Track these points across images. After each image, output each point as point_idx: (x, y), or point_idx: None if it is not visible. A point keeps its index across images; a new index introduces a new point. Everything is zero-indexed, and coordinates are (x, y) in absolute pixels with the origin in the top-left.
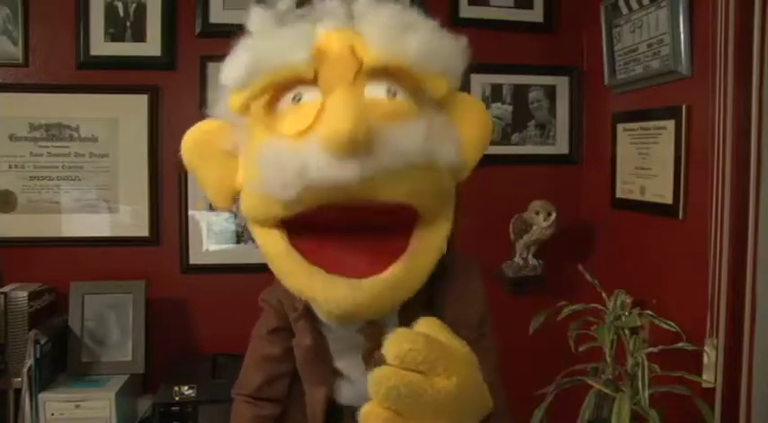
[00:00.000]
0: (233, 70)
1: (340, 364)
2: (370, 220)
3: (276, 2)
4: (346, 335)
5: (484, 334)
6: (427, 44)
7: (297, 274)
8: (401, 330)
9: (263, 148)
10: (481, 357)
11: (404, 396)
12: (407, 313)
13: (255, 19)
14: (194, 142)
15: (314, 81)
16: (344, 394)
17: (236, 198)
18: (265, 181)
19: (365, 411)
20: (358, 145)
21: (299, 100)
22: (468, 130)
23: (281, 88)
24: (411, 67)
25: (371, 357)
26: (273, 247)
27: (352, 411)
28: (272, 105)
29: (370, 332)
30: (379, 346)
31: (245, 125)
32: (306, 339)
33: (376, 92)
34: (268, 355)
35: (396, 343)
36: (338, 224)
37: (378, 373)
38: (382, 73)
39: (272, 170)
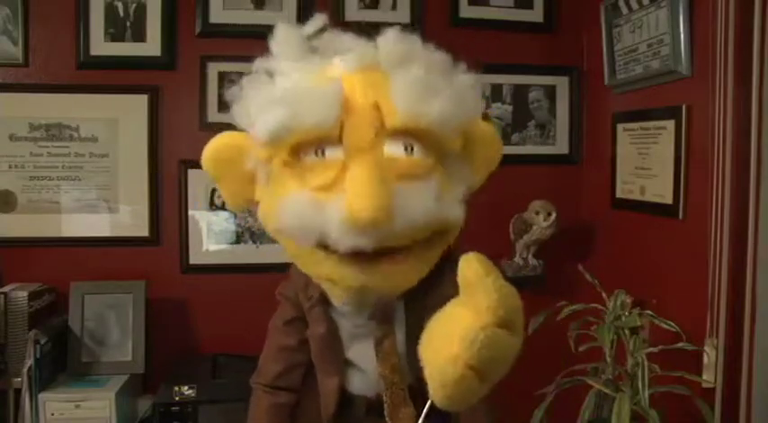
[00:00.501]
0: (264, 129)
1: (351, 353)
2: None
3: (298, 21)
4: (358, 323)
5: None
6: (448, 110)
7: (314, 262)
8: (495, 283)
9: (286, 199)
10: None
11: (494, 355)
12: (412, 306)
13: (281, 40)
14: (215, 154)
15: (338, 138)
16: (355, 384)
17: (248, 204)
18: (286, 228)
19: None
20: (378, 224)
21: (322, 154)
22: (482, 160)
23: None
24: (430, 130)
25: (381, 346)
26: (299, 252)
27: (363, 401)
28: (297, 154)
29: (380, 318)
30: (388, 333)
31: (254, 156)
32: (320, 328)
33: (394, 149)
34: (285, 345)
35: (499, 299)
36: None
37: (483, 327)
38: (402, 133)
39: (293, 223)
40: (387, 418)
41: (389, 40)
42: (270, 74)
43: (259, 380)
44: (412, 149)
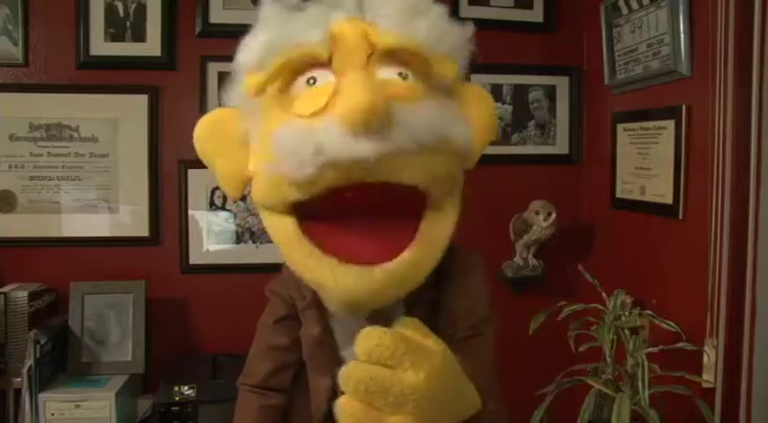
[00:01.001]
0: (249, 51)
1: (346, 352)
2: (380, 206)
3: None
4: (353, 324)
5: (481, 333)
6: (436, 27)
7: (307, 261)
8: (370, 328)
9: (278, 129)
10: (471, 356)
11: (372, 389)
12: (413, 303)
13: (267, 8)
14: (207, 130)
15: (328, 64)
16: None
17: (247, 187)
18: (281, 161)
19: (340, 403)
20: (374, 121)
21: (314, 83)
22: (475, 118)
23: (295, 71)
24: (421, 49)
25: None
26: (284, 234)
27: None
28: (286, 88)
29: (377, 321)
30: None
31: (257, 110)
32: (314, 329)
33: (388, 75)
34: (275, 344)
35: (364, 339)
36: (347, 211)
37: (347, 368)
38: (394, 58)
39: (288, 150)
40: None
41: None
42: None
43: (247, 381)
44: (406, 78)
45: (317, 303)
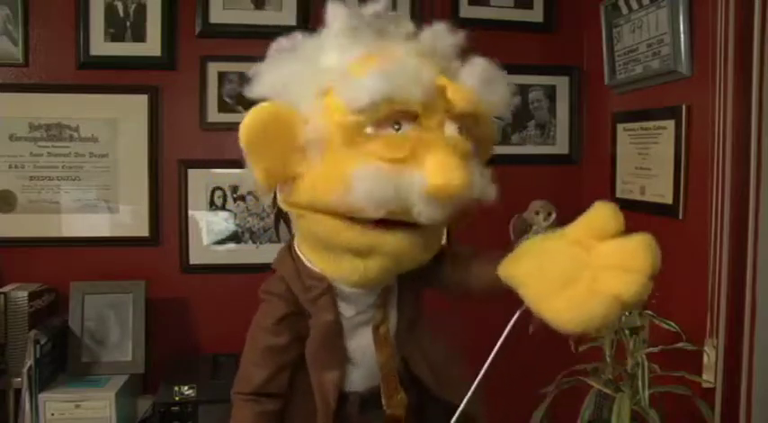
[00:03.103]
0: (364, 94)
1: (350, 344)
2: None
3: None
4: (361, 309)
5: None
6: (506, 100)
7: (358, 233)
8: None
9: (359, 170)
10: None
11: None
12: (404, 285)
13: (340, 17)
14: (263, 127)
15: (416, 115)
16: (350, 380)
17: (280, 184)
18: (358, 198)
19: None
20: (457, 199)
21: (399, 129)
22: (485, 137)
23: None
24: (487, 115)
25: (378, 332)
26: (334, 228)
27: (357, 396)
28: (378, 125)
29: (380, 303)
30: (384, 319)
31: (319, 127)
32: (328, 315)
33: (452, 129)
34: (274, 345)
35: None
36: None
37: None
38: (463, 116)
39: (371, 191)
40: (384, 407)
41: (441, 31)
42: (293, 49)
43: (242, 389)
44: (463, 133)
45: (330, 290)
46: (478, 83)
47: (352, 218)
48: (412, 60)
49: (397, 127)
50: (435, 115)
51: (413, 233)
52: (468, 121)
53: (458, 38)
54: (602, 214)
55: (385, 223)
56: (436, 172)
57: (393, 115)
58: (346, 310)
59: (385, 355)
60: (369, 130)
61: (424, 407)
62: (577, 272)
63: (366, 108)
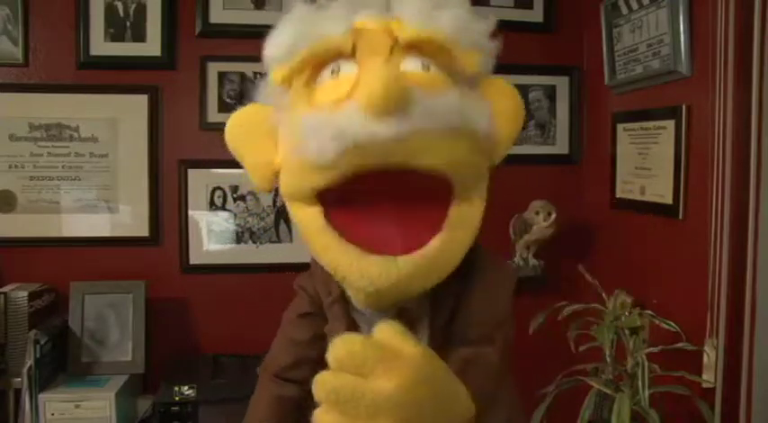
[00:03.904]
0: (276, 45)
1: None
2: (405, 195)
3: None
4: (379, 321)
5: (492, 340)
6: (459, 19)
7: (331, 250)
8: (342, 335)
9: (301, 117)
10: (475, 361)
11: (343, 399)
12: (439, 303)
13: (293, 7)
14: (237, 124)
15: (352, 56)
16: None
17: (276, 180)
18: (304, 147)
19: (315, 414)
20: (393, 102)
21: (338, 72)
22: (501, 113)
23: (320, 63)
24: (444, 41)
25: None
26: (310, 224)
27: None
28: (311, 79)
29: (402, 321)
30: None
31: (285, 102)
32: (339, 325)
33: (411, 66)
34: (296, 338)
35: (335, 347)
36: (373, 199)
37: (318, 376)
38: (417, 50)
39: (310, 136)
40: None
41: None
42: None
43: (267, 368)
44: (429, 69)
45: (343, 299)
46: (420, 7)
47: (330, 215)
48: (338, 8)
49: (335, 71)
50: (377, 52)
51: (400, 261)
52: (434, 56)
53: None
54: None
55: (372, 242)
56: (362, 81)
57: (326, 61)
58: (363, 324)
59: None
60: (321, 80)
61: None
62: None
63: (281, 58)
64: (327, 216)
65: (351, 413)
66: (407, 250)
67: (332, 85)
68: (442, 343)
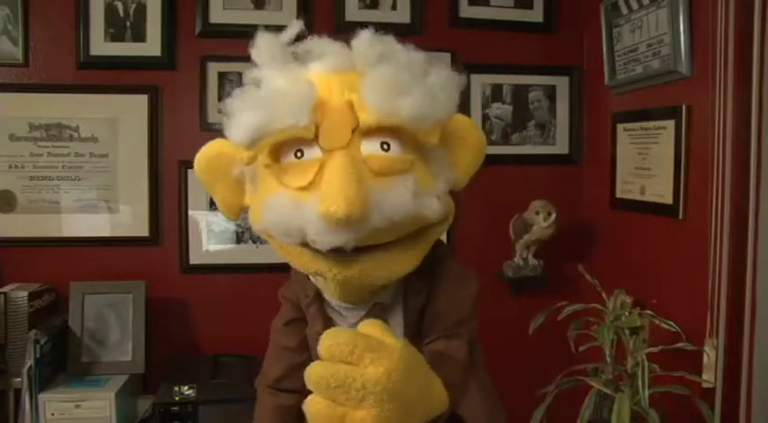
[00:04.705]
0: (241, 132)
1: None
2: None
3: (280, 30)
4: (354, 321)
5: (458, 334)
6: (418, 107)
7: (303, 257)
8: (330, 329)
9: (269, 200)
10: (445, 353)
11: (333, 385)
12: (410, 301)
13: (261, 47)
14: (205, 163)
15: (315, 138)
16: None
17: (243, 211)
18: (270, 228)
19: (306, 402)
20: (354, 221)
21: (301, 156)
22: (460, 153)
23: (284, 147)
24: (403, 126)
25: None
26: (281, 249)
27: None
28: (277, 156)
29: (377, 315)
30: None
31: (251, 170)
32: (317, 325)
33: (370, 147)
34: (285, 346)
35: (325, 339)
36: None
37: (310, 366)
38: (377, 131)
39: (276, 222)
40: None
41: (363, 41)
42: (257, 84)
43: (263, 381)
44: (388, 147)
45: (319, 299)
46: (381, 93)
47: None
48: (297, 86)
49: (299, 154)
50: (340, 135)
51: (361, 257)
52: (398, 136)
53: (384, 42)
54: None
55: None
56: (323, 197)
57: (290, 142)
58: (339, 321)
59: None
60: (286, 159)
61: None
62: None
63: (246, 145)
64: None
65: (340, 399)
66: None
67: (296, 168)
68: (415, 336)
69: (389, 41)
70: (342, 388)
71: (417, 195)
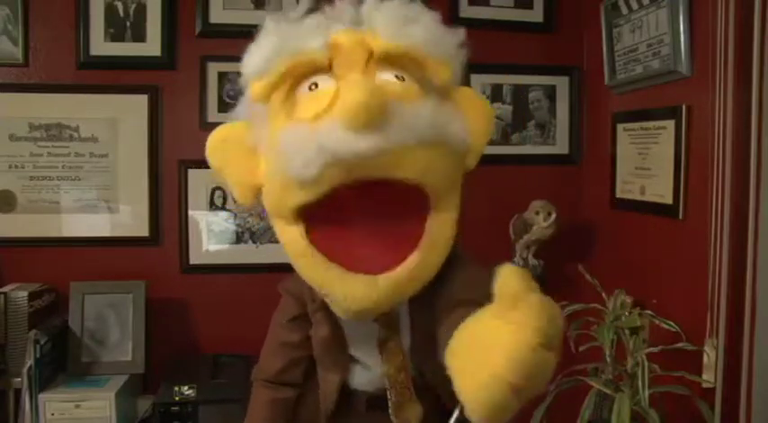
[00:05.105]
0: (253, 59)
1: (356, 351)
2: (383, 209)
3: (287, 11)
4: (362, 324)
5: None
6: (429, 32)
7: (315, 270)
8: (537, 300)
9: (282, 132)
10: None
11: (540, 373)
12: (417, 303)
13: (269, 21)
14: (218, 142)
15: (329, 70)
16: (358, 379)
17: (259, 195)
18: (286, 163)
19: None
20: (372, 117)
21: (315, 88)
22: (472, 120)
23: (298, 77)
24: (416, 53)
25: (386, 346)
26: (293, 245)
27: (364, 396)
28: (290, 95)
29: (384, 321)
30: (392, 335)
31: (264, 119)
32: (323, 330)
33: (386, 78)
34: (287, 341)
35: (542, 316)
36: (353, 216)
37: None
38: (391, 63)
39: (292, 151)
40: (392, 417)
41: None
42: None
43: (260, 375)
44: (403, 80)
45: (326, 306)
46: (392, 22)
47: (313, 233)
48: (312, 21)
49: (313, 86)
50: (354, 65)
51: (380, 280)
52: (407, 67)
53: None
54: (506, 281)
55: (353, 261)
56: (342, 98)
57: (303, 75)
58: (346, 324)
59: (393, 367)
60: (300, 93)
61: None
62: (486, 354)
63: (258, 72)
64: (309, 234)
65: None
66: (387, 268)
67: (311, 99)
68: (423, 343)
69: None
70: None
71: (439, 114)
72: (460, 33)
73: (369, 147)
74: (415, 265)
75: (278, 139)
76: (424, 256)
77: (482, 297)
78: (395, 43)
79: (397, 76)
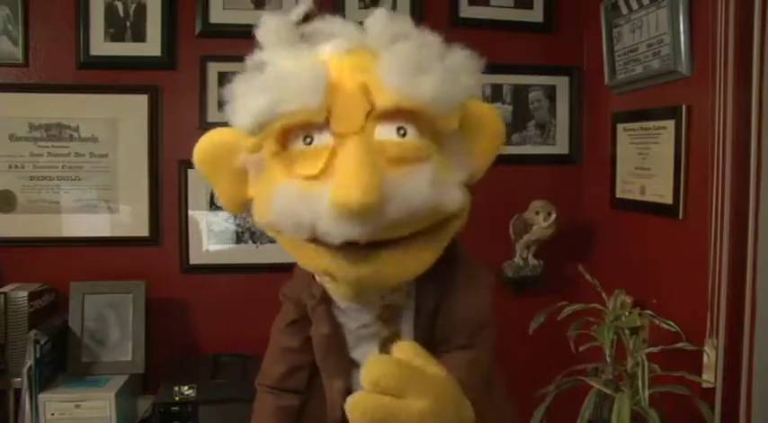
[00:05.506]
0: (246, 116)
1: (356, 354)
2: None
3: (286, 11)
4: (363, 323)
5: (475, 344)
6: (439, 88)
7: (310, 255)
8: (375, 356)
9: (277, 190)
10: (464, 368)
11: (378, 418)
12: (423, 301)
13: (267, 29)
14: (206, 154)
15: (326, 123)
16: (360, 384)
17: (247, 205)
18: (278, 222)
19: None
20: (367, 215)
21: (310, 142)
22: (479, 141)
23: (294, 130)
24: (422, 110)
25: (387, 347)
26: (287, 243)
27: None
28: (284, 142)
29: (387, 317)
30: (394, 334)
31: (257, 158)
32: (323, 327)
33: (386, 132)
34: (287, 346)
35: (371, 369)
36: None
37: (353, 398)
38: (393, 114)
39: (285, 214)
40: None
41: (378, 19)
42: (261, 68)
43: (263, 381)
44: (405, 133)
45: (326, 301)
46: (400, 73)
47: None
48: (308, 66)
49: (308, 140)
50: (353, 120)
51: (376, 255)
52: (415, 121)
53: (400, 21)
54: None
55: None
56: (336, 185)
57: (299, 127)
58: (348, 323)
59: None
60: (295, 145)
61: None
62: None
63: (252, 129)
64: None
65: None
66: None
67: (306, 155)
68: (426, 338)
69: (405, 21)
70: (386, 421)
71: (436, 185)
72: (478, 66)
73: (359, 235)
74: (410, 247)
75: (272, 193)
76: (420, 240)
77: (466, 332)
78: (400, 99)
79: (398, 130)
